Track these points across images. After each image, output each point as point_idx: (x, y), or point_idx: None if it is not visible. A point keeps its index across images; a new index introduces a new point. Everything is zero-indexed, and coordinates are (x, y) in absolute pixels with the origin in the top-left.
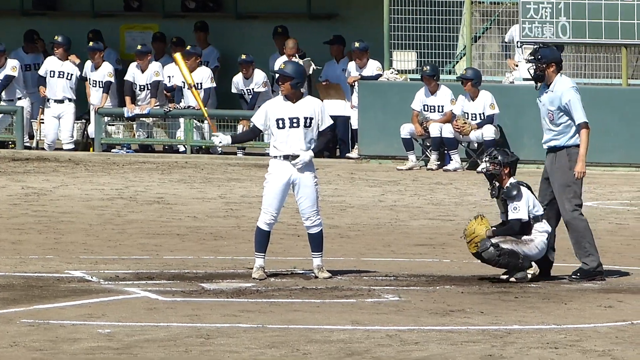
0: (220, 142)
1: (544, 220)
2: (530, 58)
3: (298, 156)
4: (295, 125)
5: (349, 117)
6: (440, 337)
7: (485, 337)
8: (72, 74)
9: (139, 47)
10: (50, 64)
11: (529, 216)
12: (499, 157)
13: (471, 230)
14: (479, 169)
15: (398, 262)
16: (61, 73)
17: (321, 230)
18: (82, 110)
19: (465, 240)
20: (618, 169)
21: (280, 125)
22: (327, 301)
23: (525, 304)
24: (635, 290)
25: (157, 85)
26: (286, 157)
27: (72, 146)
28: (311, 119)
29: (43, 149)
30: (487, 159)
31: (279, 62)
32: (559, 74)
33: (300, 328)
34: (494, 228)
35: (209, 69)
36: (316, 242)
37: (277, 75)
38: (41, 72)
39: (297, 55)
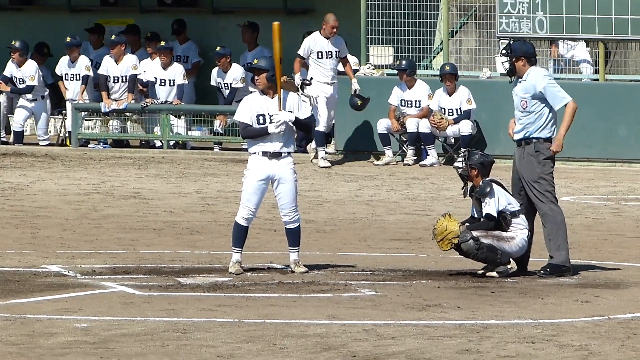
0: (287, 119)
1: (521, 216)
2: (502, 52)
3: (280, 154)
4: (272, 120)
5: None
6: (416, 331)
7: (462, 332)
8: (25, 78)
9: (112, 37)
10: (11, 68)
11: (504, 212)
12: (468, 158)
13: (443, 228)
14: (455, 164)
15: (374, 256)
16: (21, 80)
17: (299, 225)
18: (60, 105)
19: (436, 239)
20: (594, 164)
21: (261, 122)
22: (304, 296)
23: (501, 298)
24: (612, 285)
25: (135, 79)
26: (265, 154)
27: (47, 142)
28: (290, 111)
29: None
30: (459, 158)
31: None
32: (534, 67)
33: (277, 322)
34: (467, 224)
35: (181, 66)
36: (294, 237)
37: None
38: (6, 73)
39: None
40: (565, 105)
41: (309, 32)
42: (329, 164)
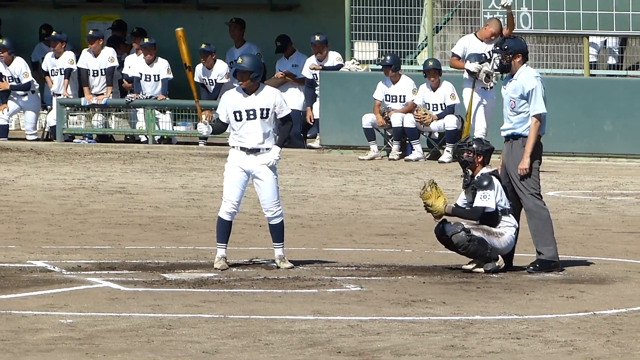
0: (205, 132)
1: (510, 215)
2: (496, 49)
3: (258, 150)
4: (252, 117)
5: (303, 112)
6: (402, 327)
7: (447, 328)
8: (18, 77)
9: (90, 32)
10: (0, 68)
11: (496, 208)
12: (474, 145)
13: (429, 202)
14: (440, 158)
15: (360, 252)
16: (10, 78)
17: (282, 220)
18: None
19: (423, 200)
20: (580, 159)
21: (238, 118)
22: (289, 291)
23: (487, 294)
24: (597, 280)
25: (112, 71)
26: (243, 149)
27: (35, 137)
28: (267, 110)
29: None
30: (461, 146)
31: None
32: (524, 64)
33: (262, 318)
34: (453, 205)
35: (166, 61)
36: (277, 232)
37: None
38: None
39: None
40: (535, 115)
41: (282, 37)
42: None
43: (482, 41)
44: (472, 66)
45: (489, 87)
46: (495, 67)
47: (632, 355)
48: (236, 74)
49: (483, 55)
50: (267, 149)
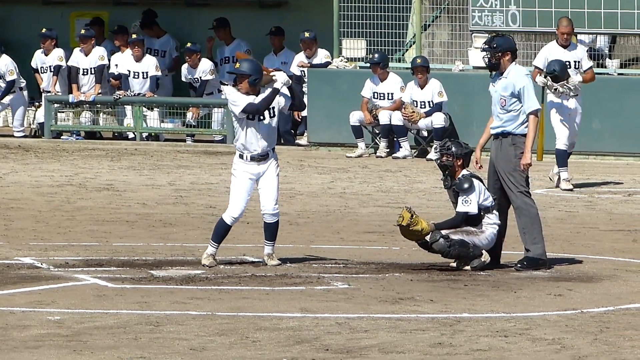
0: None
1: (494, 212)
2: (485, 47)
3: (267, 156)
4: (261, 117)
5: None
6: (389, 325)
7: (435, 325)
8: (4, 74)
9: (82, 31)
10: None
11: (479, 209)
12: (452, 149)
13: (419, 228)
14: (428, 156)
15: (347, 249)
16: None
17: (278, 220)
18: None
19: (405, 229)
20: None
21: (250, 117)
22: (277, 289)
23: (474, 292)
24: (585, 278)
25: (102, 70)
26: (253, 158)
27: (22, 134)
28: (274, 108)
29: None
30: (440, 149)
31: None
32: (514, 62)
33: (250, 315)
34: (433, 223)
35: (154, 58)
36: (271, 231)
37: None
38: None
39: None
40: (531, 112)
41: (276, 27)
42: (571, 187)
43: (564, 47)
44: (539, 80)
45: (568, 96)
46: (572, 78)
47: (619, 353)
48: (236, 78)
49: (567, 63)
50: (272, 149)
